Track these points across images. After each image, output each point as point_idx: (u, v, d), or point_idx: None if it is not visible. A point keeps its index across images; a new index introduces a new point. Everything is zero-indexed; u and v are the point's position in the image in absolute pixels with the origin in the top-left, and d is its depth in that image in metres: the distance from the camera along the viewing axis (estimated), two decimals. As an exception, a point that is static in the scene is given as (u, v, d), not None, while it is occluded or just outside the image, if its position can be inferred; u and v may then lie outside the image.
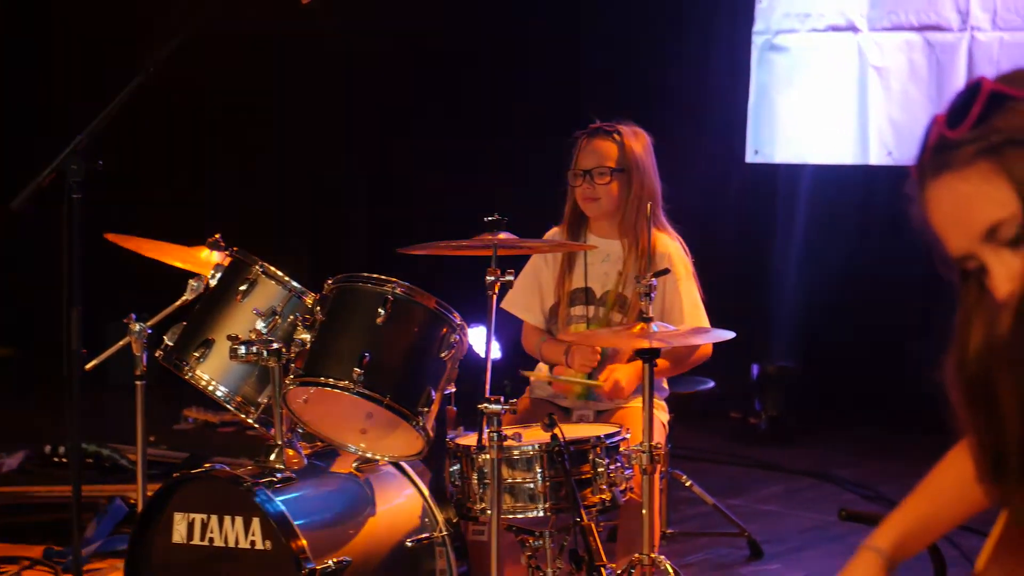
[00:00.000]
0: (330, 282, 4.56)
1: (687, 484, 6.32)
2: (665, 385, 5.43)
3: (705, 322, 5.21)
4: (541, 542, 4.76)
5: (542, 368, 5.34)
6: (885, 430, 8.30)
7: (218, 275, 4.73)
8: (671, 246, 5.24)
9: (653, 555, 4.59)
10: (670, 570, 4.64)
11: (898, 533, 2.26)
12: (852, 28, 8.52)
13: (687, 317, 5.17)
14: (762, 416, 8.57)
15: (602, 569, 4.34)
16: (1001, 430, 1.98)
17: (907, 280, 8.29)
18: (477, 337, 5.01)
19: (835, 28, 8.59)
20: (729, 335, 4.71)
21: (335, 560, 4.34)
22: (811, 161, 8.78)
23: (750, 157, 8.92)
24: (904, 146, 8.31)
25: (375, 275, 4.53)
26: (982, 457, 2.02)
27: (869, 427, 8.42)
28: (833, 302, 8.74)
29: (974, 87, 1.90)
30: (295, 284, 4.61)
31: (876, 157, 8.43)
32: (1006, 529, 2.07)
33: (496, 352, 4.39)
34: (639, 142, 5.33)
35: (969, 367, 1.98)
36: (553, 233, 5.38)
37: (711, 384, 6.47)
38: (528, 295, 5.38)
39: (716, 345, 5.08)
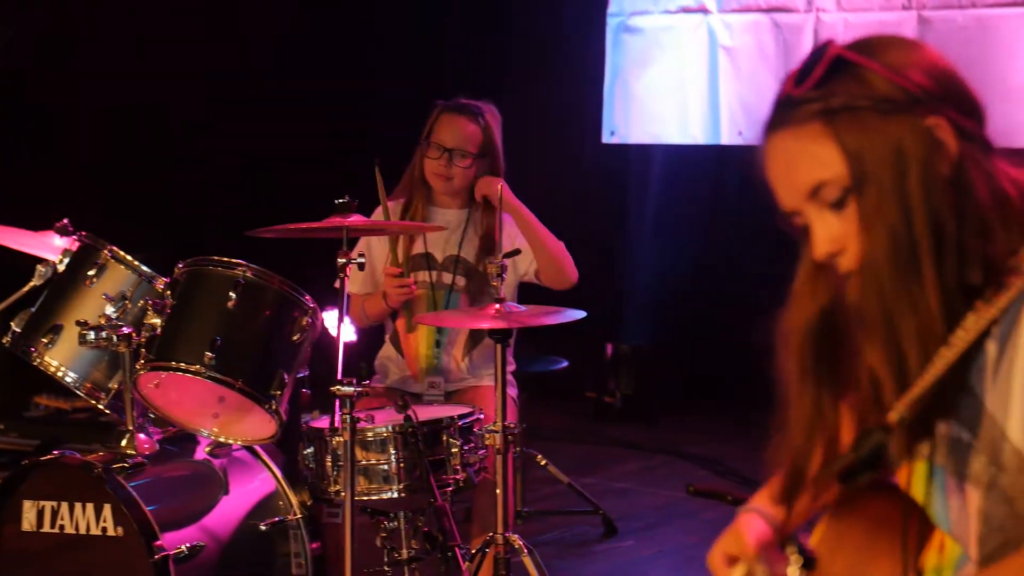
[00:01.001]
0: (180, 266, 4.53)
1: (542, 463, 6.36)
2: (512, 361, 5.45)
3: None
4: (396, 523, 4.78)
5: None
6: (737, 408, 8.40)
7: (66, 260, 4.67)
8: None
9: (507, 534, 4.62)
10: (524, 549, 4.68)
11: (770, 496, 2.27)
12: (703, 10, 8.61)
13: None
14: (616, 395, 8.64)
15: (456, 549, 4.37)
16: (831, 388, 2.02)
17: (758, 260, 8.42)
18: (333, 320, 4.99)
19: (686, 10, 8.67)
20: (580, 314, 4.76)
21: (188, 545, 4.31)
22: (665, 142, 8.85)
23: (606, 138, 8.98)
24: (754, 126, 8.40)
25: (225, 258, 4.51)
26: (805, 427, 2.05)
27: (722, 405, 8.52)
28: (686, 282, 8.84)
29: (822, 49, 1.95)
30: (145, 268, 4.57)
31: (728, 137, 8.53)
32: (839, 498, 2.12)
33: (350, 334, 4.39)
34: (497, 124, 5.36)
35: (809, 320, 2.01)
36: (393, 206, 5.35)
37: (565, 363, 6.52)
38: (358, 273, 5.36)
39: (570, 326, 5.11)
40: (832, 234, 1.93)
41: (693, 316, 8.88)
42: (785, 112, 1.96)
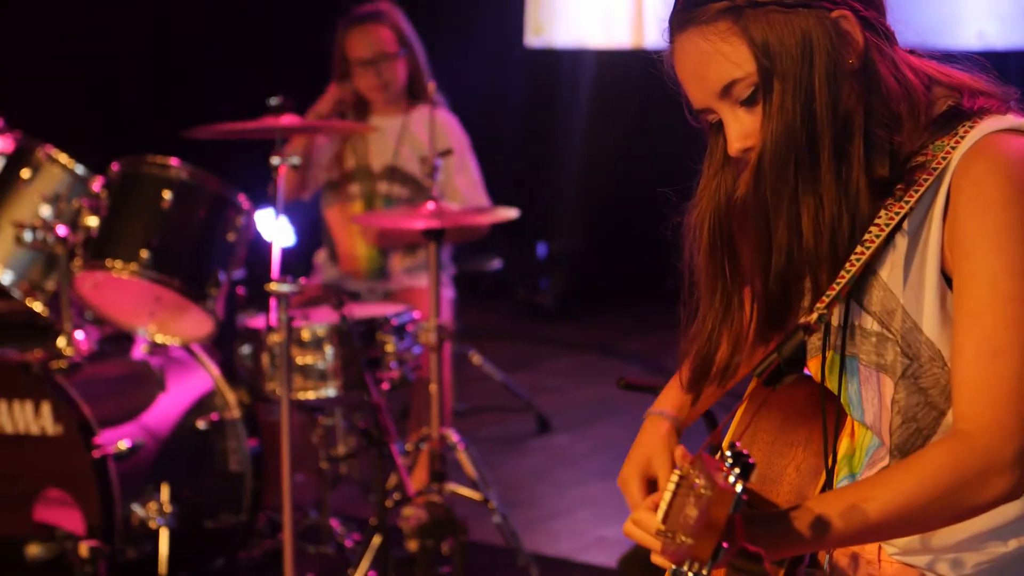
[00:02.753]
0: (115, 167, 4.53)
1: (476, 362, 6.43)
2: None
3: (485, 200, 5.29)
4: (332, 420, 4.85)
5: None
6: (667, 305, 8.48)
7: (1, 161, 4.66)
8: (451, 124, 5.30)
9: (443, 430, 4.69)
10: (459, 445, 4.75)
11: (678, 398, 2.30)
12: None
13: (467, 196, 5.25)
14: (548, 294, 8.70)
15: (392, 445, 4.43)
16: (739, 281, 2.06)
17: (688, 158, 8.47)
18: (266, 220, 5.01)
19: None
20: (512, 213, 4.80)
21: (127, 443, 4.36)
22: (592, 45, 8.84)
23: (530, 40, 8.96)
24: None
25: (159, 159, 4.52)
26: (713, 321, 2.09)
27: (652, 302, 8.58)
28: (616, 181, 8.87)
29: None
30: (81, 169, 4.56)
31: (652, 41, 8.52)
32: (751, 389, 2.17)
33: (287, 235, 4.41)
34: (402, 17, 5.34)
35: (718, 212, 2.05)
36: (329, 96, 5.35)
37: (498, 263, 6.57)
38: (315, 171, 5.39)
39: (503, 225, 5.16)
40: (745, 130, 1.95)
41: (623, 215, 8.92)
42: (692, 11, 1.96)
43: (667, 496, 1.71)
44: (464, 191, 5.26)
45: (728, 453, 1.68)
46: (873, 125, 1.90)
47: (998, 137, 1.90)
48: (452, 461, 4.83)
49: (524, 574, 4.60)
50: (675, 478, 1.71)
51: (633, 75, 8.75)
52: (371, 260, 5.35)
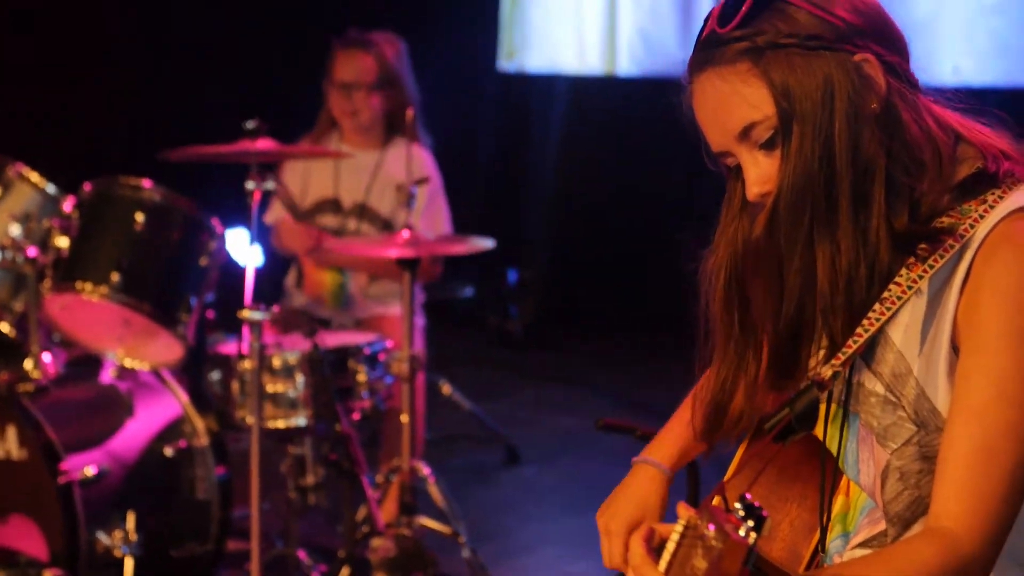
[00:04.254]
0: (87, 187, 4.47)
1: (446, 391, 6.37)
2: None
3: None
4: (302, 450, 4.79)
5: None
6: (638, 338, 8.47)
7: (-30, 179, 4.59)
8: (427, 160, 5.27)
9: (413, 463, 4.64)
10: (429, 478, 4.70)
11: (673, 449, 2.28)
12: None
13: (423, 228, 5.20)
14: (518, 321, 8.66)
15: (363, 477, 4.38)
16: (754, 329, 2.02)
17: (659, 190, 8.46)
18: (236, 241, 4.95)
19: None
20: (489, 243, 4.76)
21: (93, 469, 4.29)
22: (565, 71, 8.82)
23: (503, 65, 8.94)
24: (654, 57, 8.40)
25: (132, 180, 4.46)
26: (734, 365, 2.05)
27: (623, 334, 8.57)
28: (588, 210, 8.85)
29: None
30: (52, 188, 4.49)
31: (626, 66, 8.51)
32: (752, 437, 2.14)
33: (258, 259, 4.36)
34: (394, 52, 5.32)
35: (735, 260, 2.01)
36: (306, 143, 5.35)
37: (470, 291, 6.52)
38: (277, 202, 5.35)
39: (472, 254, 5.13)
40: (764, 174, 1.91)
41: (595, 245, 8.91)
42: (711, 52, 1.92)
43: (671, 547, 1.67)
44: (436, 227, 5.22)
45: (738, 505, 1.64)
46: (895, 171, 1.87)
47: None
48: (422, 492, 4.78)
49: (492, 609, 4.54)
50: (680, 527, 1.67)
51: (606, 101, 8.75)
52: (335, 287, 5.29)
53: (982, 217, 1.87)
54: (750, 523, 1.62)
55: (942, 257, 1.86)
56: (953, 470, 1.82)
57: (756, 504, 1.63)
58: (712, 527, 1.61)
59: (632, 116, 8.63)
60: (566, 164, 8.95)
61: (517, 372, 8.01)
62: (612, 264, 8.77)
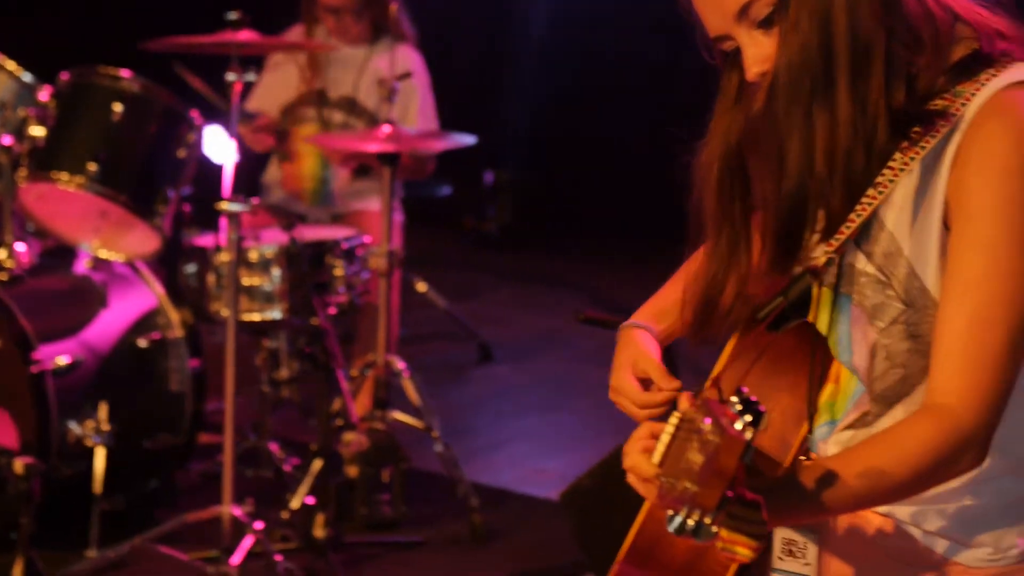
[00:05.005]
0: (64, 76, 4.43)
1: (421, 289, 6.38)
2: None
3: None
4: (276, 344, 4.80)
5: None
6: (616, 239, 8.48)
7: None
8: (413, 56, 5.24)
9: (388, 357, 4.66)
10: (404, 372, 4.72)
11: (653, 311, 2.25)
12: None
13: (420, 126, 5.19)
14: (494, 222, 8.65)
15: (338, 370, 4.39)
16: (747, 223, 2.02)
17: (640, 89, 8.43)
18: (213, 135, 4.92)
19: None
20: (468, 139, 4.75)
21: (66, 359, 4.29)
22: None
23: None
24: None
25: (111, 70, 4.43)
26: (730, 253, 2.05)
27: (601, 236, 8.58)
28: (566, 111, 8.83)
29: None
30: (28, 77, 4.46)
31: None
32: (744, 328, 2.13)
33: (235, 153, 4.33)
34: None
35: (728, 153, 2.00)
36: (294, 32, 5.31)
37: (448, 190, 6.51)
38: (264, 89, 5.32)
39: (450, 153, 5.12)
40: (763, 53, 1.90)
41: (572, 147, 8.89)
42: None
43: (665, 439, 1.65)
44: (422, 124, 5.21)
45: (735, 399, 1.63)
46: (894, 48, 1.86)
47: (1016, 95, 1.85)
48: (396, 388, 4.80)
49: (464, 503, 4.57)
50: (675, 420, 1.65)
51: (589, 5, 8.70)
52: (316, 181, 5.28)
53: (974, 95, 1.86)
54: (748, 418, 1.60)
55: (933, 138, 1.86)
56: (949, 344, 1.83)
57: (753, 398, 1.62)
58: (708, 421, 1.59)
59: (615, 12, 8.59)
60: (546, 66, 8.91)
61: (492, 272, 8.02)
62: (590, 165, 8.76)
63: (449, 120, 5.39)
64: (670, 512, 1.66)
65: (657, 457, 1.65)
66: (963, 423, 1.81)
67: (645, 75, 8.47)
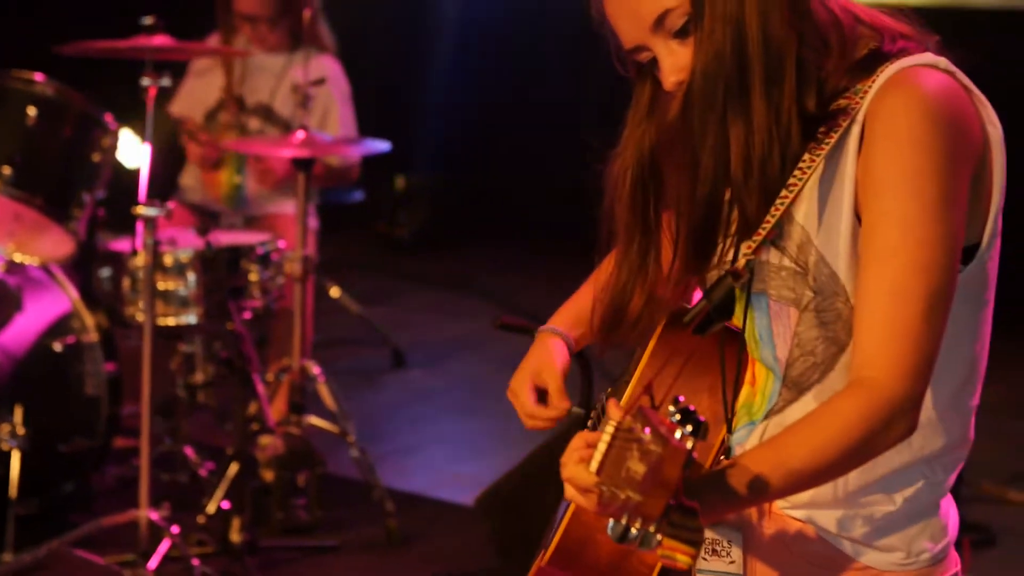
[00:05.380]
0: (-23, 80, 4.42)
1: (334, 294, 6.39)
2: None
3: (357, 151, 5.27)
4: (191, 348, 4.80)
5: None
6: (526, 244, 8.53)
7: None
8: (331, 65, 5.26)
9: (304, 362, 4.67)
10: (319, 377, 4.74)
11: (570, 318, 2.30)
12: None
13: (342, 134, 5.21)
14: (406, 227, 8.66)
15: (254, 376, 4.40)
16: (657, 233, 2.07)
17: (547, 94, 8.49)
18: (127, 140, 4.92)
19: None
20: (384, 146, 4.78)
21: (-19, 363, 4.28)
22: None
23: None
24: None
25: (25, 73, 4.42)
26: (638, 260, 2.09)
27: (511, 241, 8.62)
28: (479, 117, 8.87)
29: None
30: (-60, 80, 4.44)
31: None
32: (664, 329, 2.17)
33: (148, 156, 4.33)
34: None
35: (641, 163, 2.03)
36: (212, 40, 5.32)
37: (360, 195, 6.52)
38: (188, 94, 5.33)
39: (363, 157, 5.16)
40: (679, 63, 1.93)
41: (484, 152, 8.93)
42: None
43: (602, 447, 1.64)
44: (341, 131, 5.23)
45: (672, 408, 1.65)
46: (804, 53, 1.90)
47: (914, 70, 1.90)
48: (310, 393, 4.81)
49: (379, 508, 4.60)
50: (610, 429, 1.64)
51: (500, 8, 8.75)
52: (231, 187, 5.28)
53: (870, 87, 1.90)
54: (688, 428, 1.62)
55: (835, 133, 1.90)
56: (869, 317, 1.85)
57: (691, 408, 1.64)
58: (648, 431, 1.60)
59: (524, 20, 8.64)
60: (457, 69, 8.95)
61: (405, 277, 8.03)
62: (501, 171, 8.80)
63: (360, 124, 5.42)
64: (611, 521, 1.68)
65: (594, 466, 1.65)
66: (888, 392, 1.83)
67: (557, 80, 8.53)
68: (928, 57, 1.93)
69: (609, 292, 2.12)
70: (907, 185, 1.84)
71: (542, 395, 2.24)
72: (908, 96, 1.87)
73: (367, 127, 5.42)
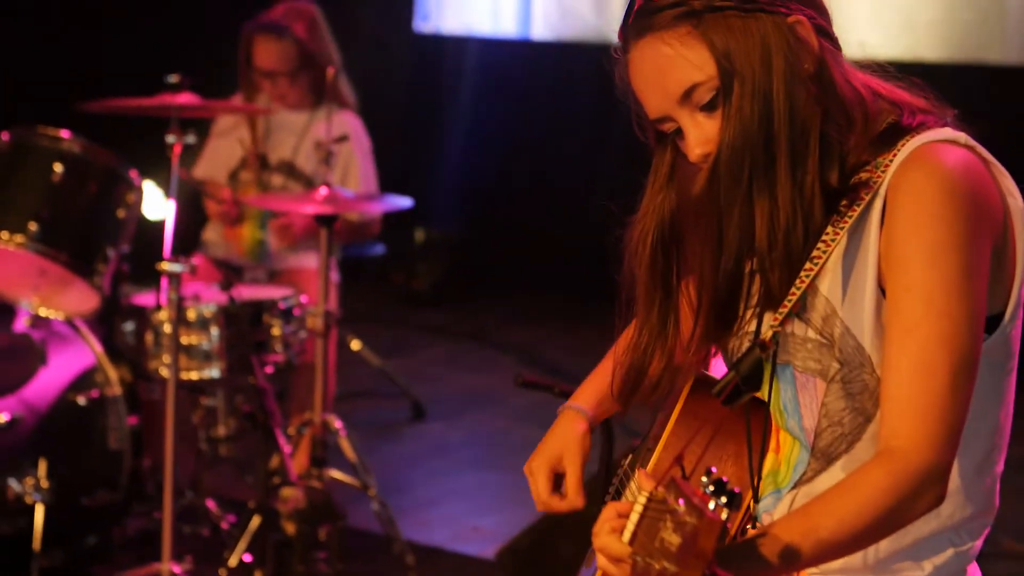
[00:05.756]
0: (4, 136, 4.47)
1: (355, 347, 6.42)
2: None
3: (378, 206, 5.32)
4: (214, 402, 4.82)
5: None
6: (545, 298, 8.55)
7: None
8: (352, 122, 5.32)
9: (325, 416, 4.70)
10: (341, 431, 4.76)
11: (595, 397, 2.34)
12: None
13: (363, 190, 5.26)
14: (424, 280, 8.69)
15: (277, 429, 4.43)
16: (676, 297, 2.10)
17: (567, 153, 8.53)
18: (152, 197, 4.96)
19: None
20: (407, 202, 4.82)
21: (5, 416, 4.31)
22: (478, 33, 8.86)
23: (419, 26, 8.97)
24: (567, 22, 8.47)
25: (51, 130, 4.48)
26: (658, 330, 2.12)
27: (530, 295, 8.65)
28: (498, 171, 8.92)
29: None
30: (-34, 137, 4.49)
31: (539, 32, 8.57)
32: (688, 396, 2.20)
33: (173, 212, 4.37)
34: (308, 27, 5.32)
35: (662, 228, 2.07)
36: (235, 100, 5.39)
37: (380, 248, 6.56)
38: (211, 155, 5.40)
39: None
40: (705, 135, 1.96)
41: (503, 206, 8.97)
42: (650, 18, 1.95)
43: (634, 518, 1.67)
44: (362, 187, 5.29)
45: (705, 479, 1.68)
46: (828, 128, 1.93)
47: (935, 146, 1.93)
48: (331, 446, 4.83)
49: (400, 562, 4.62)
50: (643, 500, 1.66)
51: (518, 65, 8.80)
52: (253, 242, 5.33)
53: (892, 161, 1.94)
54: (723, 499, 1.66)
55: (858, 206, 1.93)
56: (895, 389, 1.88)
57: (724, 479, 1.67)
58: (682, 502, 1.61)
59: (544, 79, 8.70)
60: (478, 125, 9.00)
61: (423, 330, 8.06)
62: (519, 226, 8.84)
63: (380, 177, 5.47)
64: None
65: (627, 536, 1.67)
66: (916, 462, 1.85)
67: (576, 136, 8.58)
68: (948, 132, 1.97)
69: (630, 355, 2.15)
70: (929, 259, 1.88)
71: (559, 478, 2.29)
72: (929, 172, 1.91)
73: (387, 180, 5.47)
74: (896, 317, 1.90)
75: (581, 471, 2.27)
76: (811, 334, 1.98)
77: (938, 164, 1.91)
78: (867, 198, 1.93)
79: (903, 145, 1.95)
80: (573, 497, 2.27)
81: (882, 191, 1.93)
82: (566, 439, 2.29)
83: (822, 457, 2.02)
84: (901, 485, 1.85)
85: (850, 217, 1.93)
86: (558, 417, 2.33)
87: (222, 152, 5.39)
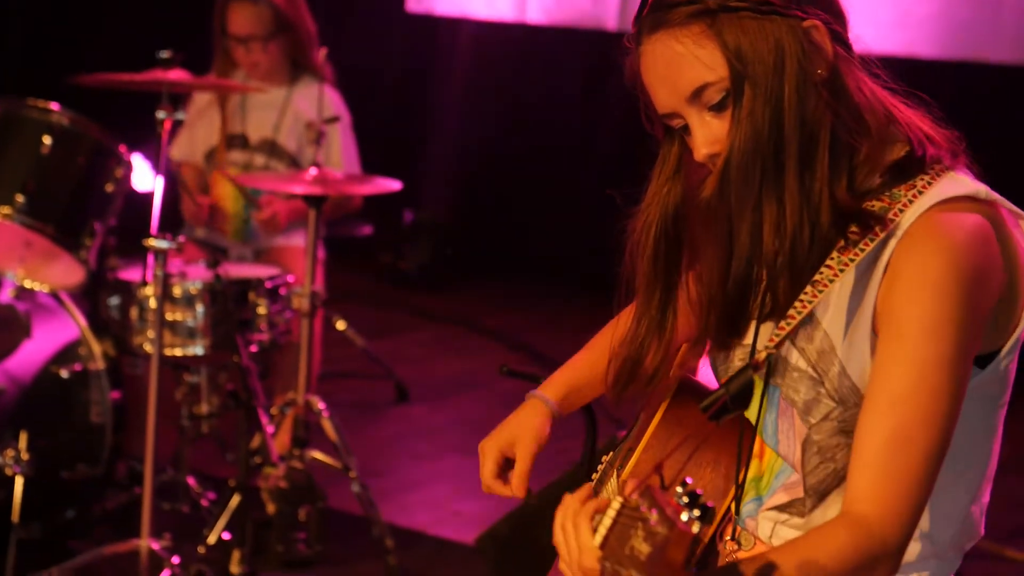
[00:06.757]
0: (-8, 108, 4.46)
1: (340, 327, 6.41)
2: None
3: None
4: (197, 379, 4.82)
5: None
6: (532, 282, 8.54)
7: None
8: (333, 97, 5.29)
9: (308, 397, 4.69)
10: (323, 412, 4.75)
11: (564, 388, 2.36)
12: None
13: (345, 167, 5.25)
14: (412, 262, 8.68)
15: (259, 408, 4.43)
16: (676, 290, 2.10)
17: (558, 137, 8.52)
18: (140, 172, 4.95)
19: None
20: (395, 185, 4.80)
21: (-12, 388, 4.31)
22: (471, 15, 8.83)
23: (411, 6, 8.95)
24: (562, 5, 8.44)
25: (40, 103, 4.46)
26: (657, 316, 2.12)
27: (517, 278, 8.64)
28: (488, 154, 8.90)
29: None
30: (-45, 107, 4.47)
31: (534, 16, 8.55)
32: (671, 402, 2.19)
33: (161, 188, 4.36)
34: None
35: (665, 220, 2.06)
36: (209, 78, 5.35)
37: (368, 229, 6.54)
38: (187, 136, 5.38)
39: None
40: (713, 135, 1.95)
41: (493, 189, 8.96)
42: (663, 14, 1.94)
43: (607, 522, 1.67)
44: (345, 163, 5.27)
45: (680, 490, 1.68)
46: (839, 136, 1.92)
47: (948, 216, 1.91)
48: (313, 426, 4.82)
49: (379, 544, 4.61)
50: (616, 505, 1.66)
51: (512, 48, 8.78)
52: (238, 221, 5.31)
53: (911, 202, 1.92)
54: (696, 512, 1.66)
55: (871, 242, 1.91)
56: (870, 455, 1.87)
57: (699, 492, 1.68)
58: (655, 512, 1.61)
59: (537, 63, 8.68)
60: (468, 108, 8.98)
61: (409, 312, 8.04)
62: (509, 209, 8.83)
63: (369, 158, 5.45)
64: None
65: (598, 539, 1.68)
66: (878, 536, 1.86)
67: (567, 120, 8.57)
68: (967, 186, 1.95)
69: (626, 346, 2.14)
70: (927, 334, 1.87)
71: (508, 463, 2.32)
72: (936, 245, 1.89)
73: (376, 161, 5.44)
74: (884, 383, 1.89)
75: (531, 461, 2.31)
76: (802, 364, 1.98)
77: (947, 237, 1.89)
78: (881, 235, 1.92)
79: (923, 187, 1.94)
80: (516, 486, 2.31)
81: (896, 236, 1.92)
82: (523, 427, 2.32)
83: (815, 493, 2.02)
84: (863, 555, 1.85)
85: (861, 250, 1.92)
86: (524, 402, 2.35)
87: (199, 132, 5.37)
